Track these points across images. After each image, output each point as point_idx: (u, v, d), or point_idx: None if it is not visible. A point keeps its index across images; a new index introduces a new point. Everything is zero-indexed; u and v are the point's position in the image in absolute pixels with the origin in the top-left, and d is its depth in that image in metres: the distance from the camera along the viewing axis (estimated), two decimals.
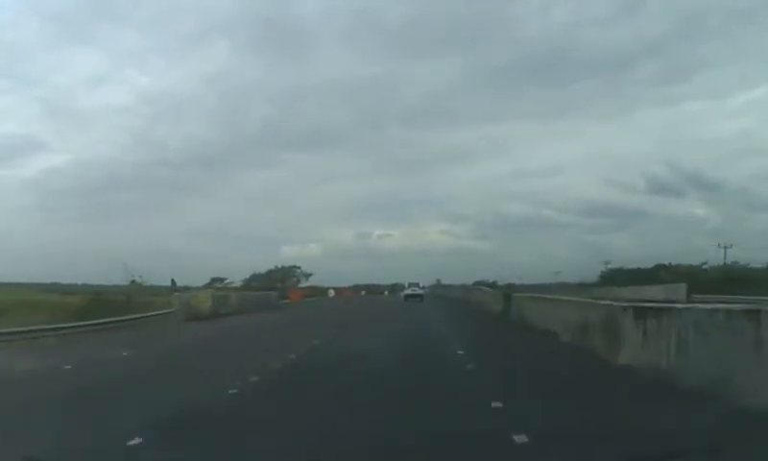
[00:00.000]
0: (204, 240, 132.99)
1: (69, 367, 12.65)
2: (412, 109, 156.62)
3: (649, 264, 65.30)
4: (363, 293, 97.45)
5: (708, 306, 10.84)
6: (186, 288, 43.61)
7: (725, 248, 60.63)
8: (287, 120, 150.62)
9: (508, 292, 32.58)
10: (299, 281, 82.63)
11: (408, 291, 57.40)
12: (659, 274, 56.26)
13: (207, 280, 69.90)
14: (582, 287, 50.51)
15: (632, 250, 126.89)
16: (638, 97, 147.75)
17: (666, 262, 62.24)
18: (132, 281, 34.02)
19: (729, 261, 58.15)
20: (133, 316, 25.49)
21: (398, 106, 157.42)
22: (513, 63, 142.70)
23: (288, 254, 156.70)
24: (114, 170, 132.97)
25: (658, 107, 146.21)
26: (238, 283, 71.63)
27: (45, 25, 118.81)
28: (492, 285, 78.90)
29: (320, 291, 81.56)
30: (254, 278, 77.34)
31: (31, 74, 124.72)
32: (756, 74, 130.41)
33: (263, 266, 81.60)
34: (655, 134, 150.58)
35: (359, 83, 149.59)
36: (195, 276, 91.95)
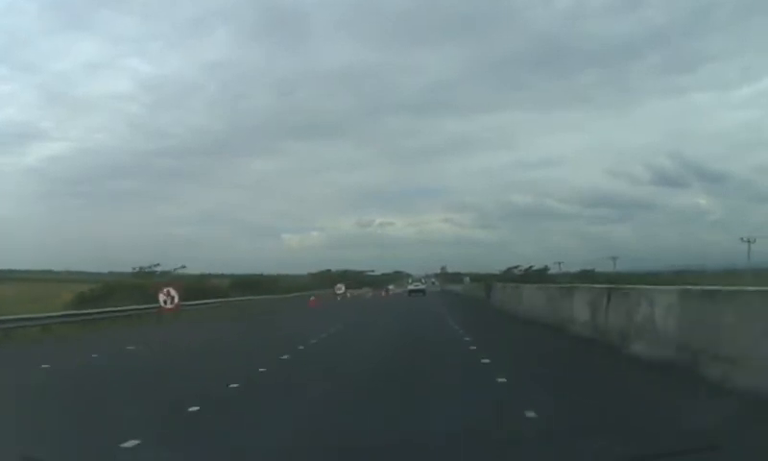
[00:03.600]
0: (204, 228, 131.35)
1: None
2: (414, 99, 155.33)
3: None
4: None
5: None
6: None
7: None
8: (289, 108, 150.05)
9: None
10: None
11: (411, 287, 69.98)
12: None
13: None
14: None
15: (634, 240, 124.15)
16: (642, 88, 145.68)
17: None
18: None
19: None
20: None
21: (400, 94, 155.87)
22: (516, 53, 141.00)
23: (289, 242, 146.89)
24: (114, 158, 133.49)
25: (662, 98, 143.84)
26: None
27: (43, 10, 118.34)
28: (541, 275, 59.35)
29: None
30: None
31: (30, 60, 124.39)
32: (762, 66, 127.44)
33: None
34: (659, 126, 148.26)
35: (360, 71, 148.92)
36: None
